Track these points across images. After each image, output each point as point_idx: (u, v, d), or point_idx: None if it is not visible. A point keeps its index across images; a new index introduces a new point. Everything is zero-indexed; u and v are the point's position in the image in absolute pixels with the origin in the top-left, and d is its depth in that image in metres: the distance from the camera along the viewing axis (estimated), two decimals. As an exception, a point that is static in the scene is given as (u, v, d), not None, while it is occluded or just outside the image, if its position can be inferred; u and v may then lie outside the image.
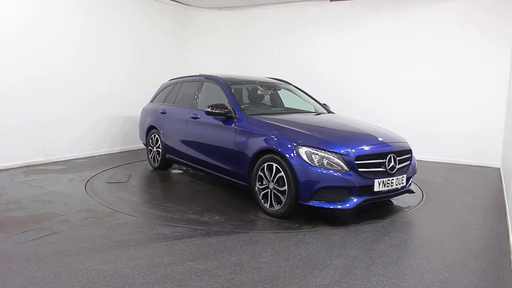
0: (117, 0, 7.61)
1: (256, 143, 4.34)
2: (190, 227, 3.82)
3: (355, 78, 8.13)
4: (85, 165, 6.57)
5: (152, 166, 6.51)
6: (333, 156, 3.91)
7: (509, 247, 3.47)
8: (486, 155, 7.12)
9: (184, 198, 4.92)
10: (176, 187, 5.61)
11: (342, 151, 3.94)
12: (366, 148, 4.10)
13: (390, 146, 4.25)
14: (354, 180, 3.87)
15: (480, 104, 7.12)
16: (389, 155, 4.11)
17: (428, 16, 7.40)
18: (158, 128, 6.25)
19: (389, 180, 4.06)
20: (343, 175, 3.86)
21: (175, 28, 9.10)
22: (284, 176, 3.99)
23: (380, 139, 4.31)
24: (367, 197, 3.97)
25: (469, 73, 7.17)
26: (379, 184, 3.99)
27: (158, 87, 6.89)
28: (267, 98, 5.57)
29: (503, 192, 5.31)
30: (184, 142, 5.65)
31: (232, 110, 4.83)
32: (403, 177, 4.22)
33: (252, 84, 5.69)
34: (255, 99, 5.65)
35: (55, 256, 3.11)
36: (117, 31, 7.67)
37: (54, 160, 6.69)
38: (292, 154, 3.95)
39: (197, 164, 5.46)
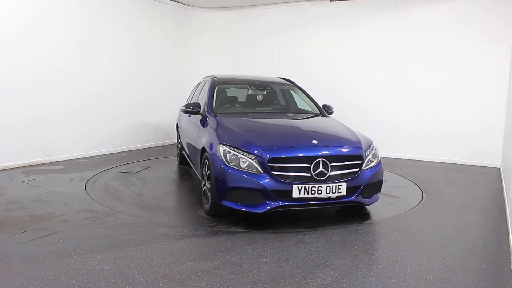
0: (117, 0, 7.61)
1: (203, 141, 4.40)
2: (190, 227, 3.82)
3: (355, 78, 8.12)
4: (85, 165, 6.56)
5: (177, 161, 6.94)
6: (246, 157, 3.74)
7: (509, 247, 3.47)
8: (486, 155, 7.11)
9: (160, 191, 5.16)
10: (168, 181, 5.75)
11: (255, 152, 3.73)
12: (286, 150, 3.78)
13: (321, 150, 3.80)
14: (266, 183, 3.63)
15: (480, 104, 7.11)
16: (317, 160, 3.71)
17: (428, 16, 7.39)
18: (179, 126, 6.67)
19: (314, 187, 3.66)
20: (254, 177, 3.65)
21: (175, 28, 9.09)
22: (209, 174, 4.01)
23: (313, 141, 3.89)
24: (284, 203, 3.67)
25: (469, 73, 7.16)
26: (300, 190, 3.64)
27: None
28: (258, 98, 5.56)
29: (503, 192, 5.31)
30: (185, 138, 5.97)
31: (203, 109, 4.94)
32: (339, 185, 3.75)
33: (245, 84, 5.64)
34: (246, 99, 5.58)
35: (55, 256, 3.11)
36: (117, 31, 7.66)
37: (54, 160, 6.68)
38: (213, 153, 3.95)
39: (188, 159, 5.78)
